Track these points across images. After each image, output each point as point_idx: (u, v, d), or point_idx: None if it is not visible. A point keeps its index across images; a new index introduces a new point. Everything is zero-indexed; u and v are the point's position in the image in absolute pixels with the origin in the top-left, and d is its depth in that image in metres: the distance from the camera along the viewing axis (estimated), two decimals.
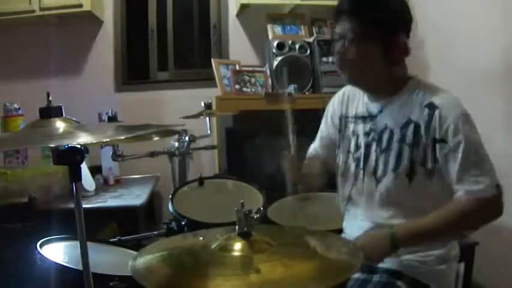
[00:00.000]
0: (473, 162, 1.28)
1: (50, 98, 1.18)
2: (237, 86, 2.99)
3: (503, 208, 1.30)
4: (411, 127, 1.35)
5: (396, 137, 1.38)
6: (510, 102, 2.19)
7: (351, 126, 1.52)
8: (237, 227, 1.00)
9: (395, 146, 1.38)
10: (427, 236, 1.33)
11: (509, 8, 2.17)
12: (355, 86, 1.49)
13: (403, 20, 1.37)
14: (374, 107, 1.45)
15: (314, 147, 1.72)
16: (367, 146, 1.45)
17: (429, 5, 2.88)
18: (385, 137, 1.40)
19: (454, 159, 1.29)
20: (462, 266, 2.15)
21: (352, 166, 1.49)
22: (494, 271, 2.28)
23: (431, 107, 1.33)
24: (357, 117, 1.50)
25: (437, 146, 1.31)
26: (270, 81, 3.06)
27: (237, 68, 3.18)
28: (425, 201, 1.35)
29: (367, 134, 1.46)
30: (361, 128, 1.48)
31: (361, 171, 1.46)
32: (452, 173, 1.30)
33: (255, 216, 1.02)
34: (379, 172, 1.41)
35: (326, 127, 1.66)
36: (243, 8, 3.23)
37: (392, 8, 1.35)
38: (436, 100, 1.33)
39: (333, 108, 1.63)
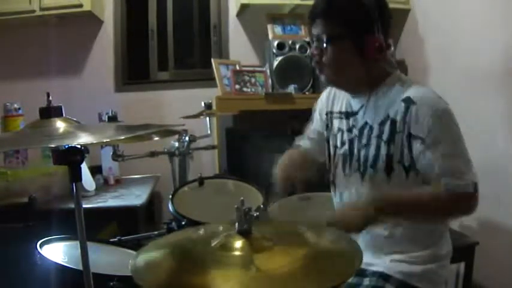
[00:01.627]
0: (451, 158, 1.27)
1: (50, 98, 1.18)
2: (237, 86, 2.99)
3: (477, 206, 1.29)
4: (388, 123, 1.35)
5: (375, 133, 1.38)
6: (510, 102, 2.20)
7: (336, 122, 1.53)
8: (236, 224, 1.00)
9: (373, 142, 1.38)
10: (403, 209, 1.31)
11: (510, 8, 2.17)
12: (334, 86, 1.52)
13: (378, 18, 1.35)
14: (355, 104, 1.46)
15: (302, 140, 1.72)
16: (350, 142, 1.46)
17: (429, 5, 2.88)
18: (366, 133, 1.41)
19: (431, 156, 1.28)
20: (462, 266, 2.16)
21: (340, 162, 1.50)
22: (494, 271, 2.28)
23: (408, 101, 1.32)
24: (341, 113, 1.52)
25: (413, 142, 1.31)
26: (270, 81, 3.06)
27: (237, 68, 3.18)
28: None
29: (349, 130, 1.47)
30: (344, 124, 1.49)
31: (348, 167, 1.46)
32: (430, 170, 1.29)
33: (255, 214, 1.02)
34: (361, 168, 1.41)
35: (315, 122, 1.68)
36: (243, 8, 3.23)
37: (365, 7, 1.33)
38: (413, 94, 1.32)
39: (321, 104, 1.64)
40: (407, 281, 1.36)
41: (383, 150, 1.36)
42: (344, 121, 1.50)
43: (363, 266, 1.40)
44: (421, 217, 1.35)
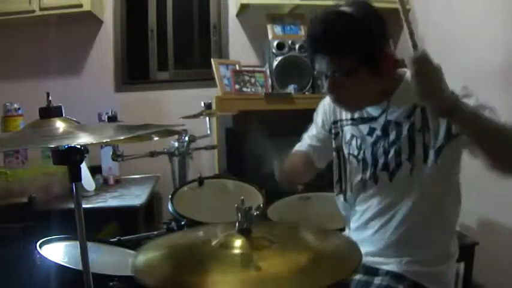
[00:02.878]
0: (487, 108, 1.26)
1: (50, 98, 1.18)
2: (237, 86, 2.99)
3: None
4: (418, 111, 1.33)
5: (405, 126, 1.35)
6: (510, 102, 2.19)
7: (348, 129, 1.49)
8: (237, 223, 1.01)
9: (405, 135, 1.35)
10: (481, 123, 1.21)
11: (509, 8, 2.17)
12: (354, 112, 1.46)
13: (383, 34, 1.31)
14: (374, 110, 1.42)
15: (301, 144, 1.69)
16: (374, 145, 1.42)
17: (429, 5, 2.88)
18: (392, 130, 1.37)
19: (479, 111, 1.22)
20: (462, 265, 2.16)
21: (359, 168, 1.46)
22: (494, 271, 2.28)
23: None
24: (354, 120, 1.47)
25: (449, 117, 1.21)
26: (270, 81, 3.06)
27: (237, 68, 3.18)
28: (440, 187, 1.34)
29: (369, 133, 1.43)
30: (361, 128, 1.45)
31: (370, 171, 1.42)
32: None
33: (255, 213, 1.02)
34: (392, 166, 1.37)
35: (316, 128, 1.63)
36: (243, 8, 3.23)
37: (372, 32, 1.28)
38: None
39: (324, 112, 1.60)
40: (419, 282, 1.36)
41: (418, 140, 1.33)
42: (361, 126, 1.45)
43: (375, 265, 1.40)
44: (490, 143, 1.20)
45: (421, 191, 1.35)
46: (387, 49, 1.31)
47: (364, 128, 1.45)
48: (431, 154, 1.32)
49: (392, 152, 1.38)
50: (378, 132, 1.41)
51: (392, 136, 1.38)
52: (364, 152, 1.45)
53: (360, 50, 1.27)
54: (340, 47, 1.28)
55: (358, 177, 1.47)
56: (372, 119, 1.43)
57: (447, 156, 1.31)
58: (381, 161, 1.40)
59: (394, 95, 1.37)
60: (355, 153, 1.47)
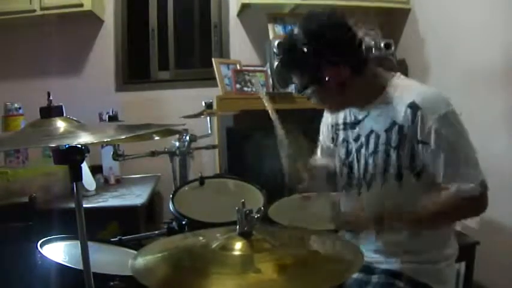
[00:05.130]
0: (458, 161, 1.28)
1: (51, 98, 1.18)
2: (237, 86, 2.99)
3: (488, 203, 1.31)
4: (395, 129, 1.36)
5: (382, 140, 1.39)
6: (510, 102, 2.19)
7: (341, 134, 1.55)
8: (237, 226, 1.00)
9: (381, 149, 1.39)
10: (413, 217, 1.32)
11: (510, 8, 2.17)
12: (339, 111, 1.55)
13: (330, 52, 1.34)
14: (360, 113, 1.47)
15: (317, 159, 1.74)
16: (357, 151, 1.47)
17: (429, 5, 2.88)
18: (372, 140, 1.42)
19: (439, 160, 1.29)
20: (463, 265, 2.16)
21: (345, 172, 1.52)
22: (494, 271, 2.28)
23: (414, 107, 1.32)
24: (346, 124, 1.53)
25: (421, 146, 1.31)
26: (270, 80, 3.06)
27: (238, 67, 3.18)
28: (416, 203, 1.34)
29: (356, 139, 1.48)
30: (350, 134, 1.51)
31: (354, 177, 1.48)
32: (439, 173, 1.30)
33: (256, 216, 1.02)
34: (369, 176, 1.42)
35: (322, 136, 1.70)
36: (244, 7, 3.23)
37: (316, 57, 1.34)
38: (418, 99, 1.32)
39: (326, 117, 1.67)
40: (417, 278, 1.37)
41: (393, 157, 1.36)
42: (349, 131, 1.51)
43: (371, 265, 1.42)
44: (428, 226, 1.37)
45: (402, 203, 1.35)
46: (334, 68, 1.35)
47: (352, 133, 1.50)
48: (407, 173, 1.35)
49: (370, 162, 1.42)
50: (362, 139, 1.46)
51: (371, 147, 1.42)
52: (351, 156, 1.49)
53: (305, 74, 1.41)
54: (291, 73, 1.47)
55: (347, 180, 1.52)
56: (358, 122, 1.47)
57: (427, 178, 1.34)
58: (362, 168, 1.45)
59: (379, 99, 1.41)
60: (345, 157, 1.52)
